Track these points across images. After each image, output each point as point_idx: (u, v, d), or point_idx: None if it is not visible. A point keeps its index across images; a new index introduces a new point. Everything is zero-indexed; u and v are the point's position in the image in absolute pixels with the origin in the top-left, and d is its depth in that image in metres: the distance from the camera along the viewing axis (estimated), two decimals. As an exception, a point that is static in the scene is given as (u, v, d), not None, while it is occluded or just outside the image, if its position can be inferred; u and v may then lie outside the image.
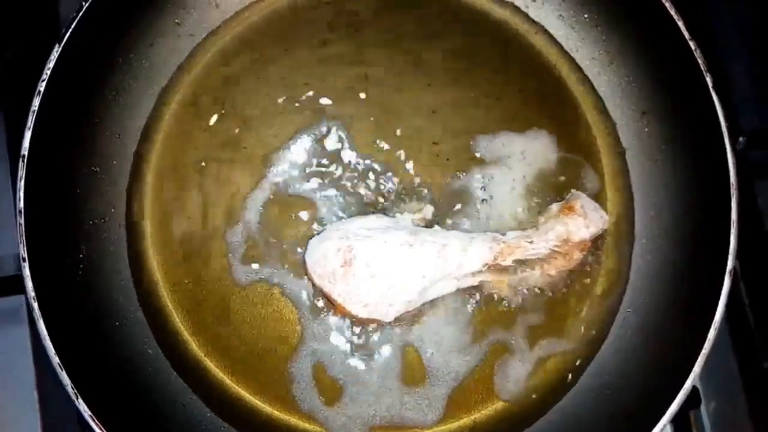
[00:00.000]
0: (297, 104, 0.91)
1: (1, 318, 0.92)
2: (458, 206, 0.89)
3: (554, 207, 0.88)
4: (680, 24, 0.81)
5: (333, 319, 0.87)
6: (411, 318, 0.86)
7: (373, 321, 0.84)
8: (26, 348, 0.90)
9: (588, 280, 0.89)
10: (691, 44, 0.81)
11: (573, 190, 0.89)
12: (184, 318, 0.88)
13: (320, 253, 0.82)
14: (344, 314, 0.84)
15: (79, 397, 0.73)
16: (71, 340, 0.77)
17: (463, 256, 0.82)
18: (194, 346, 0.87)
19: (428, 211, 0.88)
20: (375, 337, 0.86)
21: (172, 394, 0.85)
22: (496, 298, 0.88)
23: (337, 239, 0.82)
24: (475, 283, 0.85)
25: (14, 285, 0.85)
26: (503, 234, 0.86)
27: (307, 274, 0.85)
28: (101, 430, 0.73)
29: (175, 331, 0.87)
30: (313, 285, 0.85)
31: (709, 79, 0.80)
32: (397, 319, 0.84)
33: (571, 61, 0.94)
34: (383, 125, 0.91)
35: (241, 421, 0.85)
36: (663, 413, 0.75)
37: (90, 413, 0.73)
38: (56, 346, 0.74)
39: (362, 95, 0.92)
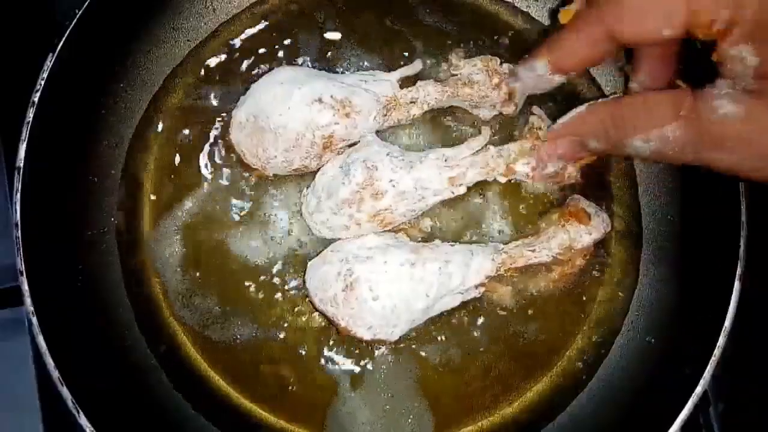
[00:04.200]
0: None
1: (3, 329, 0.91)
2: (458, 215, 0.88)
3: (555, 213, 0.86)
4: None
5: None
6: (416, 333, 0.86)
7: (378, 342, 0.83)
8: (27, 359, 0.89)
9: (594, 286, 0.88)
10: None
11: (574, 195, 0.87)
12: (185, 330, 0.87)
13: (320, 277, 0.81)
14: (348, 336, 0.82)
15: (80, 411, 0.73)
16: (71, 354, 0.76)
17: (466, 271, 0.81)
18: (197, 358, 0.86)
19: (426, 224, 0.87)
20: (378, 352, 0.86)
21: (175, 407, 0.84)
22: (499, 308, 0.86)
23: (337, 262, 0.80)
24: (479, 295, 0.84)
25: (15, 296, 0.84)
26: (505, 243, 0.84)
27: (308, 297, 0.84)
28: (103, 444, 0.73)
29: (177, 343, 0.86)
30: (315, 308, 0.83)
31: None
32: (401, 337, 0.83)
33: (575, 60, 0.92)
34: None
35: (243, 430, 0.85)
36: (674, 419, 0.75)
37: (91, 428, 0.72)
38: (56, 360, 0.74)
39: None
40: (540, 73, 0.76)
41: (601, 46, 0.67)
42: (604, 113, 0.70)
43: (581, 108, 0.75)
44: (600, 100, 0.76)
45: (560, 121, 0.77)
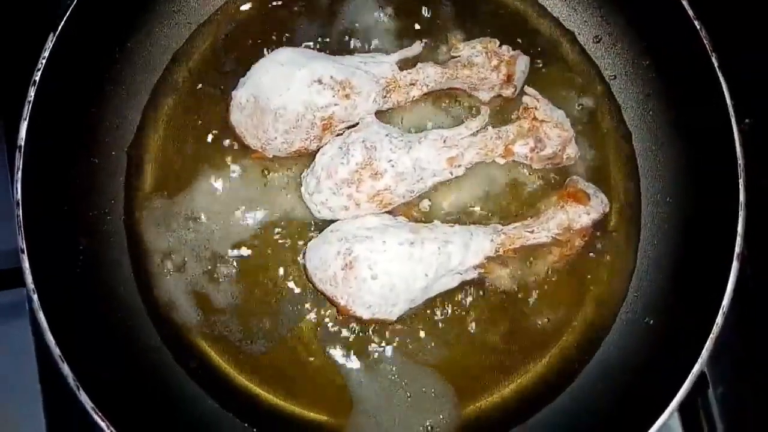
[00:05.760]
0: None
1: (3, 311, 0.91)
2: (457, 197, 0.88)
3: (554, 194, 0.87)
4: (684, 2, 0.80)
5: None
6: (416, 315, 0.86)
7: (377, 321, 0.83)
8: (29, 341, 0.89)
9: (592, 267, 0.88)
10: (696, 23, 0.80)
11: (572, 176, 0.88)
12: (186, 309, 0.87)
13: (320, 257, 0.81)
14: (348, 316, 0.82)
15: (80, 388, 0.73)
16: (72, 332, 0.76)
17: (465, 252, 0.81)
18: (197, 336, 0.87)
19: (424, 205, 0.87)
20: (378, 336, 0.86)
21: (175, 385, 0.84)
22: (498, 289, 0.87)
23: (336, 242, 0.80)
24: (477, 276, 0.85)
25: (14, 278, 0.84)
26: (504, 225, 0.85)
27: (307, 277, 0.84)
28: (103, 421, 0.73)
29: (177, 322, 0.86)
30: (315, 288, 0.83)
31: (714, 59, 0.79)
32: (400, 317, 0.83)
33: (575, 42, 0.93)
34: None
35: (244, 409, 0.85)
36: (671, 398, 0.75)
37: (92, 405, 0.73)
38: (57, 338, 0.74)
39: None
40: None
41: None
42: None
43: None
44: None
45: None
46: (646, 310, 0.86)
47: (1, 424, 0.90)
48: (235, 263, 0.87)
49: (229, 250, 0.87)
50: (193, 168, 0.89)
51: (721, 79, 0.79)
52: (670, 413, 0.75)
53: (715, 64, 0.79)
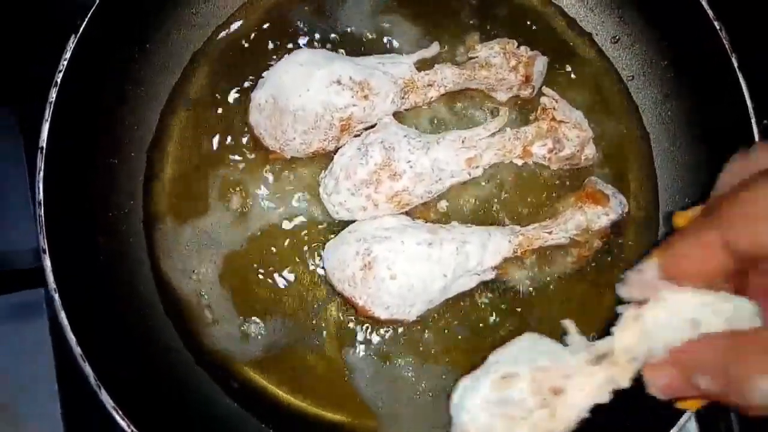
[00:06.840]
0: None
1: (21, 312, 0.92)
2: (474, 198, 0.88)
3: (572, 195, 0.86)
4: (704, 2, 0.80)
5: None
6: (433, 314, 0.86)
7: (395, 322, 0.83)
8: (46, 342, 0.90)
9: (610, 270, 0.87)
10: (716, 24, 0.80)
11: (590, 177, 0.88)
12: (204, 310, 0.87)
13: (338, 257, 0.81)
14: (366, 316, 0.82)
15: (101, 388, 0.73)
16: (93, 332, 0.76)
17: (483, 252, 0.81)
18: (217, 339, 0.86)
19: (442, 205, 0.87)
20: (395, 336, 0.86)
21: (196, 386, 0.84)
22: (514, 289, 0.86)
23: (354, 242, 0.80)
24: (494, 276, 0.84)
25: (32, 278, 0.85)
26: (522, 225, 0.85)
27: (326, 277, 0.84)
28: (125, 421, 0.73)
29: (198, 323, 0.87)
30: (333, 288, 0.84)
31: (734, 59, 0.79)
32: (418, 318, 0.83)
33: (592, 43, 0.93)
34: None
35: (264, 410, 0.85)
36: (692, 399, 0.74)
37: (113, 405, 0.73)
38: (78, 337, 0.74)
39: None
40: (649, 277, 0.59)
41: (715, 255, 0.53)
42: (724, 344, 0.53)
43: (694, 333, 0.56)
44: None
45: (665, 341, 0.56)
46: (663, 312, 0.85)
47: (18, 426, 0.90)
48: (252, 266, 0.87)
49: (252, 251, 0.87)
50: (211, 170, 0.89)
51: (741, 79, 0.78)
52: (689, 416, 0.74)
53: (735, 65, 0.79)
